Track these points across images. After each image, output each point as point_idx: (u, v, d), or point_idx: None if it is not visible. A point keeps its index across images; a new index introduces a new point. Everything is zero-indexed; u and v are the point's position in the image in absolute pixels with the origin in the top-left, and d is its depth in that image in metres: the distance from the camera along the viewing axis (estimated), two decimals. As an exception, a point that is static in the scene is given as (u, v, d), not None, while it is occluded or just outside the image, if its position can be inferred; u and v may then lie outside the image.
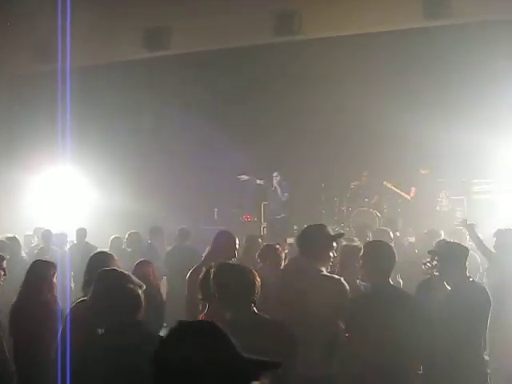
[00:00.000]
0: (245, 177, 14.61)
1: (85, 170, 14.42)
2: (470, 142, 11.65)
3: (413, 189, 13.90)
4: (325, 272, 5.10)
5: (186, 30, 13.41)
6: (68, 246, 11.36)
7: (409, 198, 14.08)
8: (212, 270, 4.39)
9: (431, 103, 12.66)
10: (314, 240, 5.15)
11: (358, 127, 14.16)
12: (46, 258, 7.15)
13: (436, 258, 5.57)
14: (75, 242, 11.59)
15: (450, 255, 5.43)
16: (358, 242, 6.60)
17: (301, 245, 5.25)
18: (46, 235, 11.23)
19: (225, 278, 4.22)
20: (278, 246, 7.28)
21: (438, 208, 13.77)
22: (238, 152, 14.48)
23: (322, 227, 5.32)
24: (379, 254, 5.11)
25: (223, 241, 6.35)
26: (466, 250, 5.55)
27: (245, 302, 4.10)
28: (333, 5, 12.58)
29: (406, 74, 13.03)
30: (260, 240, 8.81)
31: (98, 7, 13.03)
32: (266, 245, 7.63)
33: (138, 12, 13.21)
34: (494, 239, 7.67)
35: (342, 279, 5.08)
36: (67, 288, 7.37)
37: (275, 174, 14.21)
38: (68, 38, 10.91)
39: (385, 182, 14.40)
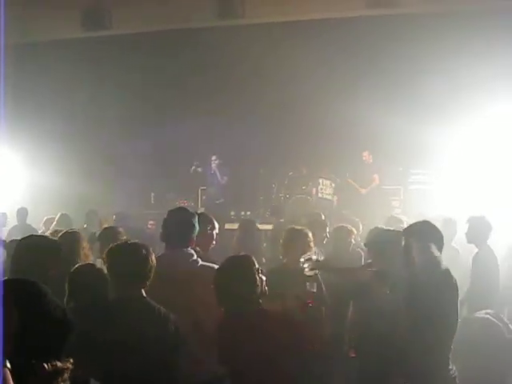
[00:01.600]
0: (195, 167, 14.51)
1: (19, 150, 14.00)
2: (408, 132, 11.77)
3: (375, 176, 13.81)
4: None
5: (127, 12, 13.19)
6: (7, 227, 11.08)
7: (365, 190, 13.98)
8: None
9: (370, 91, 12.69)
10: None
11: (297, 113, 14.17)
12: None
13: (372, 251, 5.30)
14: (16, 222, 11.27)
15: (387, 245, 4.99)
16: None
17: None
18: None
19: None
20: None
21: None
22: (175, 136, 14.34)
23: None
24: None
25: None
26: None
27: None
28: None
29: (347, 62, 13.09)
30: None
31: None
32: None
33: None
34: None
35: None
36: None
37: (214, 157, 14.14)
38: (2, 15, 10.54)
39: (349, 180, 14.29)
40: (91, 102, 14.46)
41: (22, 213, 11.28)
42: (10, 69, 11.03)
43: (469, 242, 7.52)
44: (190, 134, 14.29)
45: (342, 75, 12.97)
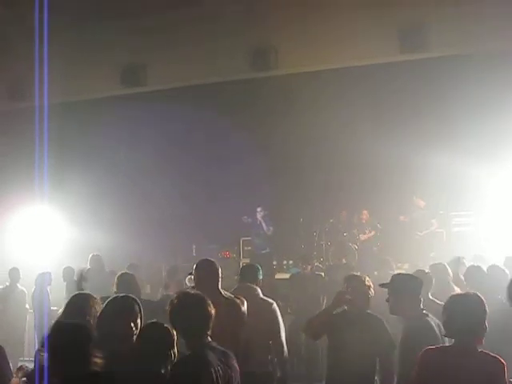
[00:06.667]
0: (246, 218, 14.60)
1: (62, 209, 14.14)
2: (451, 173, 11.69)
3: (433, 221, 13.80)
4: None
5: (162, 67, 13.31)
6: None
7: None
8: None
9: (410, 134, 12.67)
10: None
11: (336, 162, 14.23)
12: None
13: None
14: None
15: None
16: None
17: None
18: (12, 274, 11.59)
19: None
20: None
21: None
22: (217, 188, 14.47)
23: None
24: None
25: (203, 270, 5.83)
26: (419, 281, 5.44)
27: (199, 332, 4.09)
28: (308, 41, 12.65)
29: (386, 106, 13.11)
30: None
31: (71, 47, 12.95)
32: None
33: (114, 49, 13.10)
34: None
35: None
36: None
37: (259, 208, 14.28)
38: (45, 76, 10.82)
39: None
40: (131, 159, 14.63)
41: (69, 272, 11.36)
42: (53, 128, 11.20)
43: None
44: (229, 186, 14.40)
45: (382, 120, 12.97)
